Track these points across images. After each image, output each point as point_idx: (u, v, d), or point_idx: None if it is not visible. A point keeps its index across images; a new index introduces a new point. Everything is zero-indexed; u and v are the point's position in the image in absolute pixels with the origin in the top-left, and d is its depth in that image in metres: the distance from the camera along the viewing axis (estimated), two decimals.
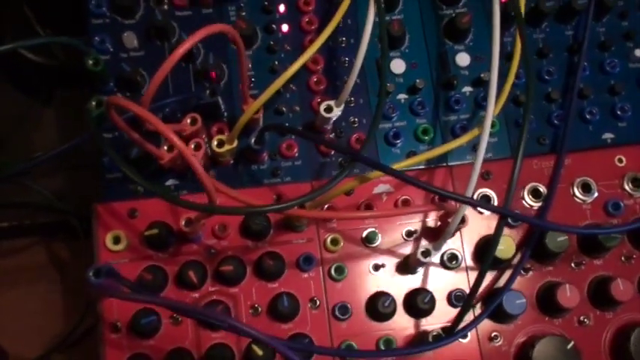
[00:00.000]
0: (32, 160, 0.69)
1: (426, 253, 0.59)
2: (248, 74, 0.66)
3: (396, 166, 0.58)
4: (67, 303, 0.79)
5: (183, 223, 0.57)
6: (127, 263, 0.61)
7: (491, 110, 0.58)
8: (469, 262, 0.63)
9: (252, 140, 0.61)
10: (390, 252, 0.62)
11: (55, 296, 0.80)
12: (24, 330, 0.77)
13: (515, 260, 0.62)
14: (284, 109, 0.66)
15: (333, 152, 0.65)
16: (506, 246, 0.60)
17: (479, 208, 0.63)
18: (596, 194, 0.64)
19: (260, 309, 0.60)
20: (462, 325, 0.58)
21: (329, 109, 0.61)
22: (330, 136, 0.66)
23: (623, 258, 0.63)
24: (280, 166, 0.65)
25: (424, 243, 0.62)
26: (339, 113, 0.61)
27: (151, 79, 0.49)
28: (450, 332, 0.58)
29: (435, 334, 0.58)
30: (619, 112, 0.67)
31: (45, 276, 0.81)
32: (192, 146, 0.60)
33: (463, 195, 0.56)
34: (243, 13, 0.68)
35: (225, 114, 0.65)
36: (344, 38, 0.68)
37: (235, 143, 0.61)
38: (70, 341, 0.76)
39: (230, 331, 0.54)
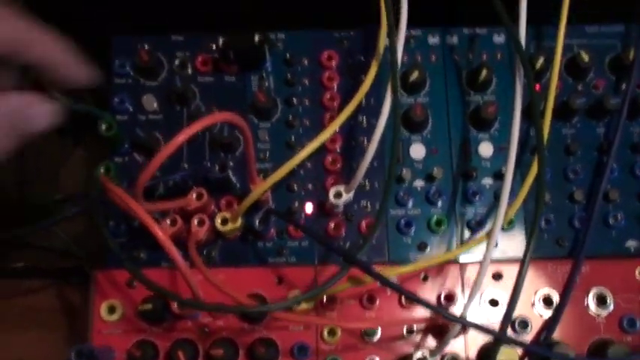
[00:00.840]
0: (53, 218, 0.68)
1: None
2: (263, 147, 0.65)
3: (397, 271, 0.56)
4: None
5: (176, 304, 0.56)
6: (119, 334, 0.60)
7: (502, 214, 0.56)
8: None
9: (257, 222, 0.60)
10: (389, 349, 0.60)
11: (61, 343, 0.79)
12: None
13: None
14: (295, 186, 0.64)
15: (342, 234, 0.64)
16: (508, 358, 0.57)
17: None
18: (612, 307, 0.61)
19: None
20: None
21: (338, 195, 0.59)
22: (340, 218, 0.64)
23: None
24: (286, 245, 0.64)
25: (422, 349, 0.59)
26: (351, 198, 0.60)
27: (144, 170, 0.48)
28: None
29: None
30: None
31: (55, 320, 0.80)
32: (196, 222, 0.60)
33: (450, 312, 0.54)
34: (266, 84, 0.67)
35: (238, 186, 0.64)
36: (364, 117, 0.66)
37: (239, 222, 0.60)
38: None
39: None
